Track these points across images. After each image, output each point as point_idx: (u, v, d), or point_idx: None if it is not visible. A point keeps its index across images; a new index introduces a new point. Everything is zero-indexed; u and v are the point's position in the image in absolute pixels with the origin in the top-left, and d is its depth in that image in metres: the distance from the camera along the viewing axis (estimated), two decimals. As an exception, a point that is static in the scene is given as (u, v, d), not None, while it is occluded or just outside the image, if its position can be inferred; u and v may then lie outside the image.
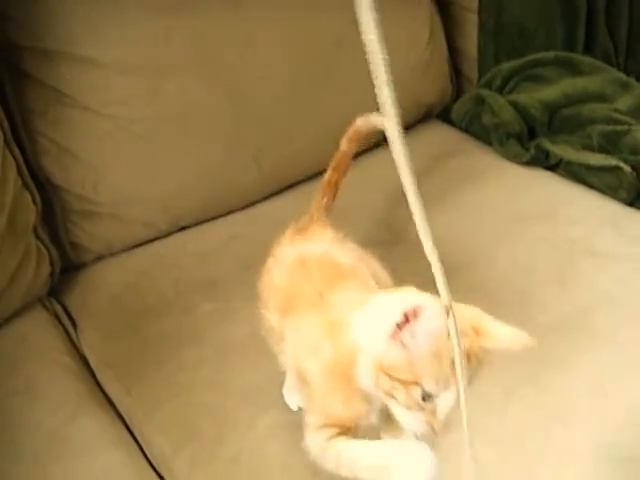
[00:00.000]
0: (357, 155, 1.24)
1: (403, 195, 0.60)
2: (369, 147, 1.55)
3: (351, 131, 1.12)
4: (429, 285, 0.72)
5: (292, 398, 1.08)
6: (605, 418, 1.03)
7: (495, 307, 1.21)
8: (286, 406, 1.08)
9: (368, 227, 1.42)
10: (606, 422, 1.03)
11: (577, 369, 1.10)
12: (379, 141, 1.43)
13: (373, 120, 1.07)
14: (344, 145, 1.14)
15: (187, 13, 1.36)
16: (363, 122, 1.09)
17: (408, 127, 1.70)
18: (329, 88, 1.54)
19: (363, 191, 1.42)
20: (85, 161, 1.36)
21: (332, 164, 1.15)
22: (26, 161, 1.33)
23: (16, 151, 1.29)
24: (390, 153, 0.56)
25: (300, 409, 1.07)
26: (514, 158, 1.59)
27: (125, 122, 1.35)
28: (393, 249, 1.29)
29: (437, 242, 1.38)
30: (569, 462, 0.98)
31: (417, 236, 0.64)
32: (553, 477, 0.97)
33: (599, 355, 1.12)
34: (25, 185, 1.31)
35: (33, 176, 1.34)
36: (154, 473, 1.09)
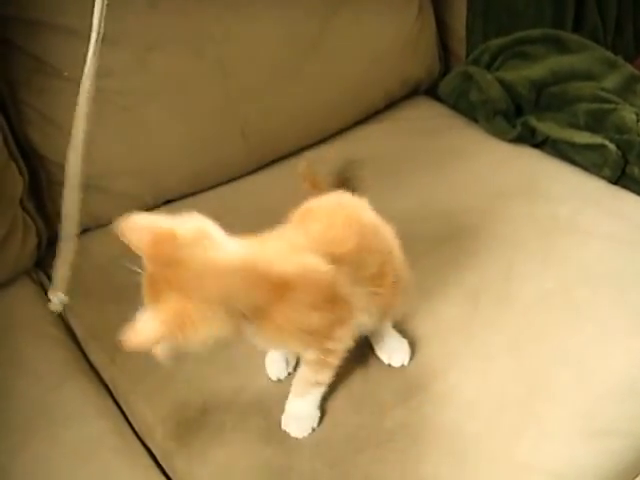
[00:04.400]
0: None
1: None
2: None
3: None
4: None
5: (272, 368, 1.09)
6: (584, 391, 1.05)
7: (478, 282, 1.23)
8: (267, 378, 1.09)
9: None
10: (585, 395, 1.04)
11: (557, 343, 1.12)
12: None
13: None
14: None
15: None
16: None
17: (395, 102, 1.73)
18: (317, 62, 1.54)
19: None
20: (71, 133, 1.35)
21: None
22: (12, 132, 1.32)
23: (2, 121, 1.29)
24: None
25: (280, 380, 1.09)
26: (500, 135, 1.59)
27: (111, 94, 1.34)
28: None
29: (422, 216, 1.39)
30: (547, 434, 1.00)
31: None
32: (531, 449, 0.98)
33: (579, 330, 1.13)
34: (11, 156, 1.30)
35: (19, 147, 1.34)
36: (139, 442, 1.10)
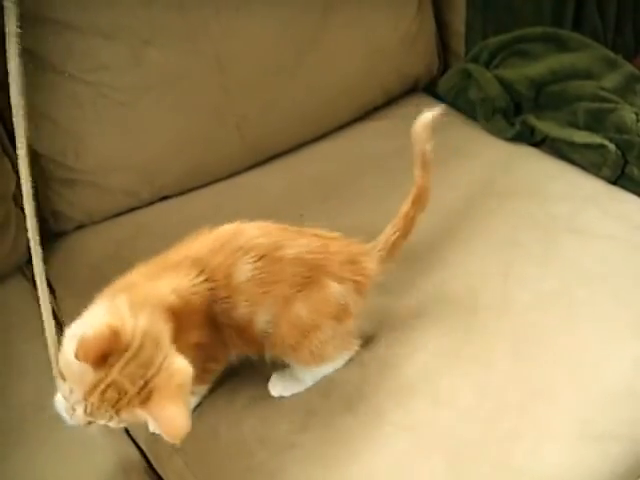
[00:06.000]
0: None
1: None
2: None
3: (419, 157, 1.06)
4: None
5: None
6: (583, 395, 1.04)
7: (476, 282, 1.22)
8: (263, 381, 1.08)
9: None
10: (584, 399, 1.03)
11: (556, 346, 1.10)
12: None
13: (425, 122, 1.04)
14: (419, 176, 1.08)
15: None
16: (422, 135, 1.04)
17: (394, 99, 1.72)
18: (315, 59, 1.53)
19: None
20: (66, 128, 1.34)
21: (411, 197, 1.09)
22: (5, 127, 1.30)
23: (-5, 117, 1.27)
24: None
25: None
26: (499, 133, 1.58)
27: (107, 89, 1.33)
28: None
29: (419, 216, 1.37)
30: (546, 438, 0.99)
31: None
32: (529, 453, 0.97)
33: (579, 332, 1.12)
34: (5, 152, 1.29)
35: (13, 143, 1.32)
36: (132, 443, 1.09)
